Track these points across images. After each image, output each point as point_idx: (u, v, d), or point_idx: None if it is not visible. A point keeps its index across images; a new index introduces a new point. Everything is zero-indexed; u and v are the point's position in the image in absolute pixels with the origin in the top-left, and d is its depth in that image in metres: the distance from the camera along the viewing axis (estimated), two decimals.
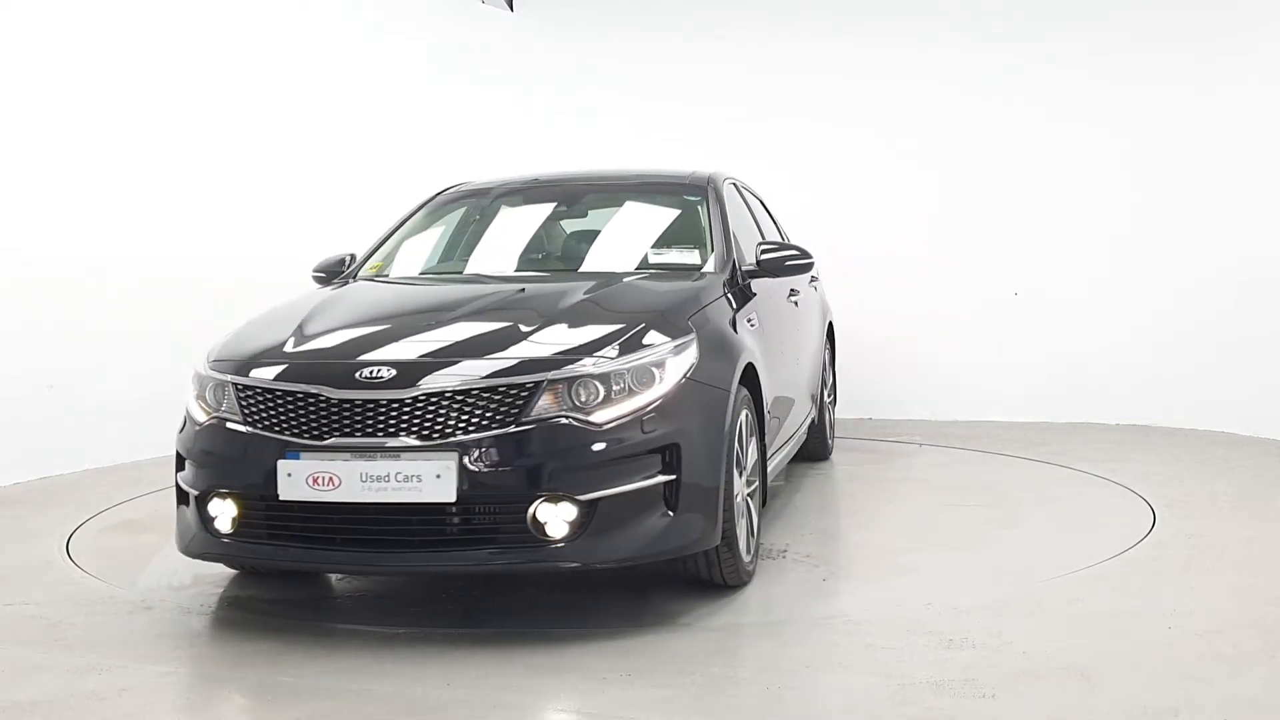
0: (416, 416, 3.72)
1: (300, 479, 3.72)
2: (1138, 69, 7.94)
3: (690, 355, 3.99)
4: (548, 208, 5.60)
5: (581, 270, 5.05)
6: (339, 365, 3.90)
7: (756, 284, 5.07)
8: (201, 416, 4.08)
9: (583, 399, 3.75)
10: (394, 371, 3.79)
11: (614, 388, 3.78)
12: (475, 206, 5.69)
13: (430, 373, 3.78)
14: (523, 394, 3.72)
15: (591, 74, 9.63)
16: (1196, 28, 7.76)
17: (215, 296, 7.28)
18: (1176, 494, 5.75)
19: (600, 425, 3.71)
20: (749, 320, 4.72)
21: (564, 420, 3.70)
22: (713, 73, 9.20)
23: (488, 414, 3.71)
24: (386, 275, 5.26)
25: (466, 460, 3.65)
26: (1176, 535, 4.98)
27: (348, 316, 4.40)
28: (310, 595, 4.46)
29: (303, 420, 3.81)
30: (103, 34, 7.04)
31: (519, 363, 3.80)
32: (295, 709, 3.28)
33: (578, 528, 3.68)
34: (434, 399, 3.72)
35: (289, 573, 4.58)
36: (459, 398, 3.72)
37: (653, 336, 3.98)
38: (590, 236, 5.42)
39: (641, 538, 3.75)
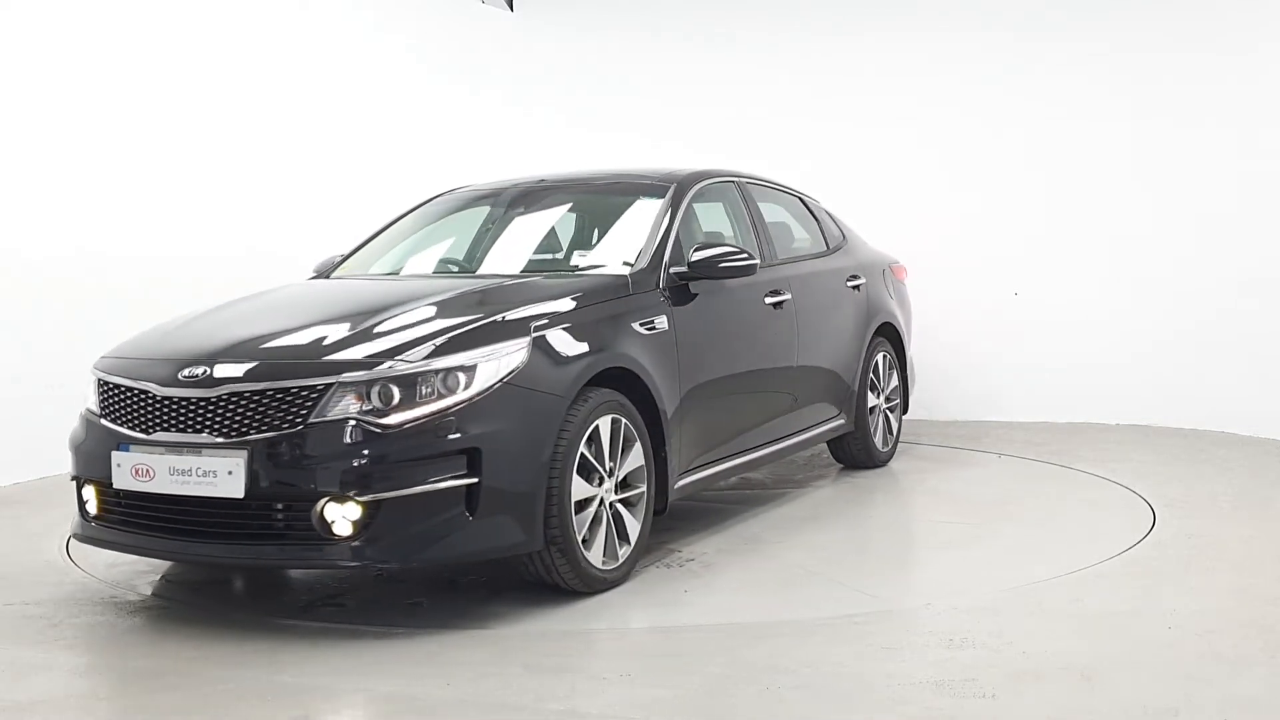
0: (219, 415, 3.90)
1: (127, 470, 4.02)
2: (1138, 69, 7.93)
3: (514, 360, 4.02)
4: (510, 209, 5.68)
5: (510, 271, 5.12)
6: (168, 364, 4.13)
7: (710, 286, 5.04)
8: (84, 408, 4.45)
9: (380, 401, 3.83)
10: (208, 371, 4.00)
11: (418, 390, 3.85)
12: (452, 209, 5.86)
13: (239, 373, 3.95)
14: (313, 395, 3.84)
15: (592, 74, 9.63)
16: (1199, 28, 7.75)
17: (215, 297, 7.25)
18: (1176, 494, 5.75)
19: (391, 427, 3.79)
20: (656, 324, 4.66)
21: (351, 421, 3.79)
22: (717, 72, 9.19)
23: (279, 414, 3.84)
24: (352, 275, 5.49)
25: (256, 458, 3.80)
26: (1176, 535, 4.98)
27: (235, 316, 4.61)
28: (310, 596, 4.46)
29: (134, 414, 4.10)
30: (102, 35, 7.04)
31: (316, 364, 3.93)
32: (295, 709, 3.28)
33: (362, 528, 3.76)
34: (235, 398, 3.90)
35: (289, 573, 4.57)
36: (255, 398, 3.88)
37: (475, 339, 4.02)
38: (537, 237, 5.47)
39: (436, 539, 3.82)
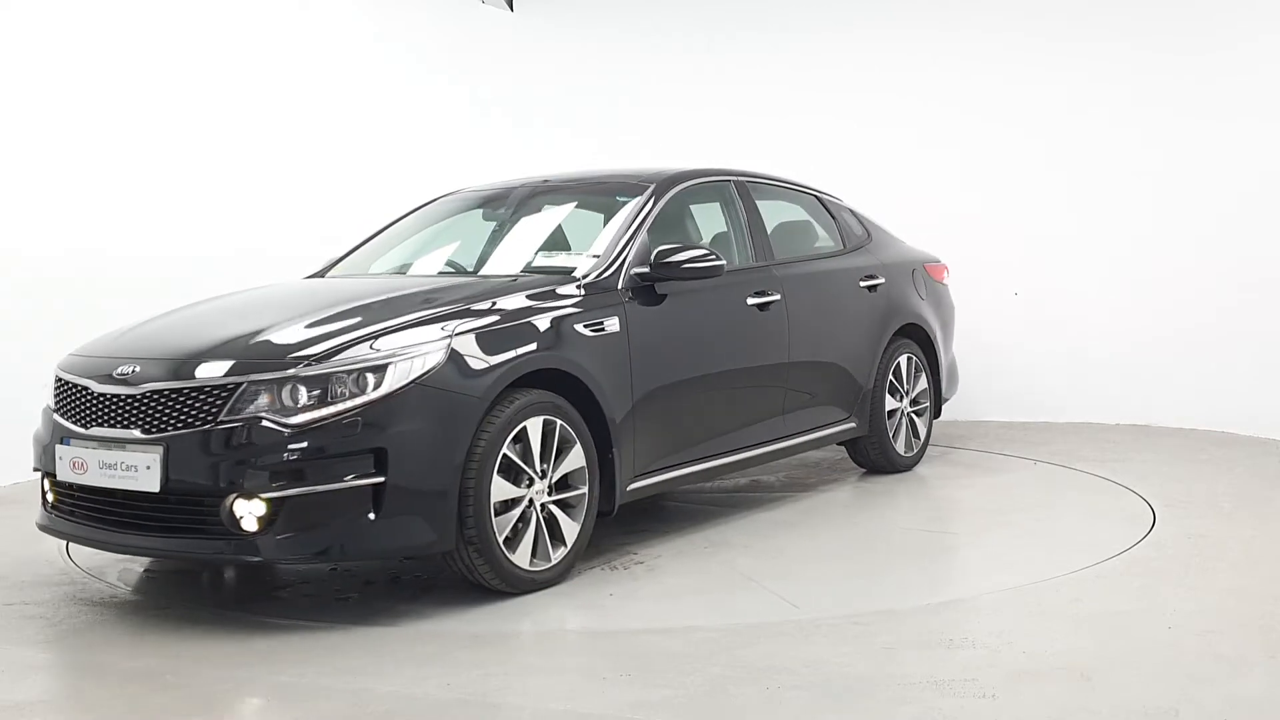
0: (141, 412, 4.06)
1: (67, 463, 4.22)
2: (1140, 69, 7.92)
3: (429, 361, 4.06)
4: (499, 210, 5.73)
5: (481, 273, 5.17)
6: (108, 362, 4.30)
7: (683, 288, 5.02)
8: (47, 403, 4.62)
9: (290, 401, 3.93)
10: (136, 369, 4.16)
11: (327, 390, 3.94)
12: (449, 210, 5.91)
13: (160, 372, 4.11)
14: (224, 394, 3.96)
15: (593, 74, 9.63)
16: (1203, 26, 7.75)
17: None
18: (1176, 494, 5.75)
19: (297, 426, 3.88)
20: (606, 326, 4.66)
21: (259, 420, 3.90)
22: (718, 71, 9.19)
23: (194, 412, 3.97)
24: (344, 275, 5.59)
25: (171, 454, 3.94)
26: (1176, 535, 4.98)
27: (187, 318, 4.71)
28: (310, 596, 4.46)
29: (76, 410, 4.29)
30: (100, 35, 7.04)
31: (232, 364, 4.04)
32: (295, 709, 3.28)
33: (267, 524, 3.86)
34: (155, 396, 4.05)
35: (289, 573, 4.57)
36: (173, 396, 4.02)
37: (391, 341, 4.08)
38: (517, 238, 5.48)
39: (340, 537, 3.91)
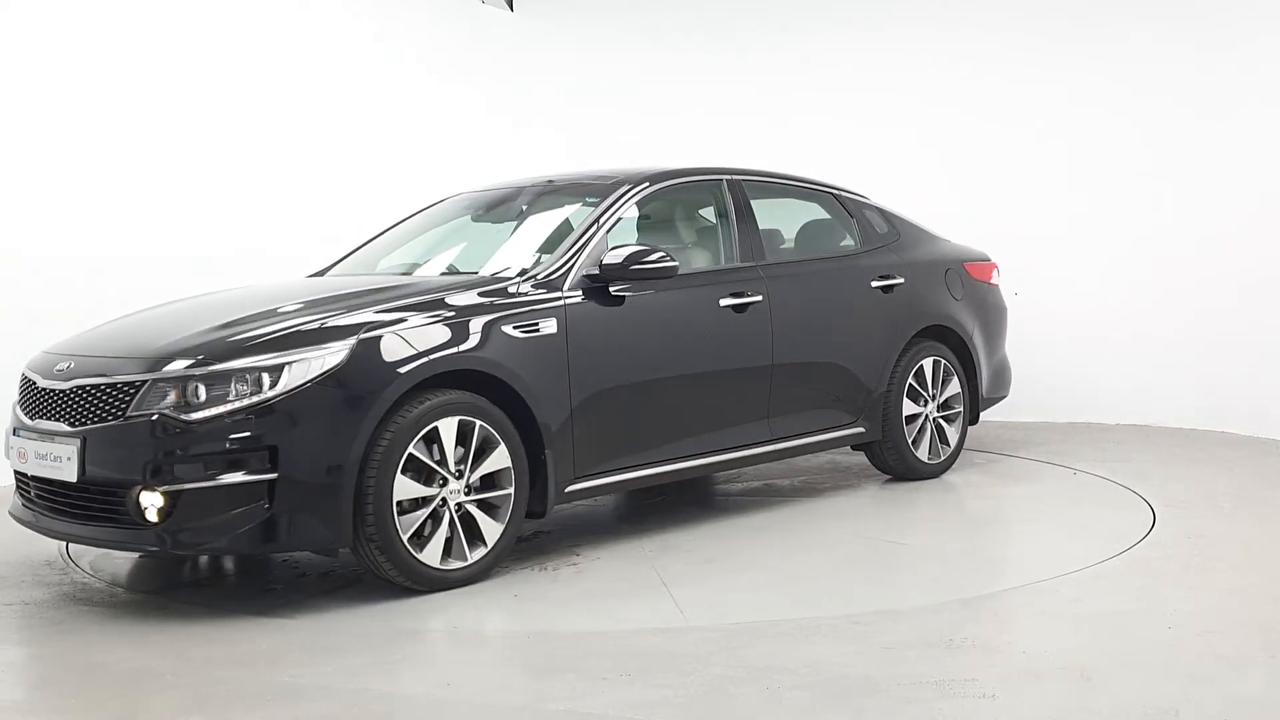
0: (68, 406, 4.29)
1: (15, 452, 4.49)
2: (1147, 69, 7.93)
3: (329, 361, 4.16)
4: (488, 211, 5.81)
5: (441, 274, 5.29)
6: (55, 358, 4.53)
7: (644, 289, 5.01)
8: None
9: (190, 398, 4.08)
10: (71, 365, 4.39)
11: (225, 388, 4.08)
12: (454, 209, 5.94)
13: (86, 368, 4.33)
14: (133, 390, 4.14)
15: (593, 74, 9.63)
16: (1203, 29, 7.75)
17: None
18: (1176, 494, 5.75)
19: (195, 422, 4.04)
20: (542, 328, 4.67)
21: (160, 416, 4.07)
22: (720, 71, 9.19)
23: (108, 407, 4.18)
24: (348, 273, 5.67)
25: (86, 446, 4.15)
26: (1176, 535, 4.98)
27: (144, 318, 4.84)
28: (310, 596, 4.46)
29: (26, 403, 4.55)
30: (97, 37, 7.04)
31: (141, 361, 4.23)
32: (295, 709, 3.28)
33: (166, 515, 4.04)
34: (80, 391, 4.27)
35: (287, 571, 4.57)
36: (93, 391, 4.23)
37: (291, 341, 4.20)
38: (496, 240, 5.51)
39: (236, 530, 4.05)
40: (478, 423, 4.41)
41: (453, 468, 4.35)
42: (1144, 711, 3.08)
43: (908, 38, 8.69)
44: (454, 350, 4.43)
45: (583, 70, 9.67)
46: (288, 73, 8.11)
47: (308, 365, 4.13)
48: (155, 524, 4.06)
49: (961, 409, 6.47)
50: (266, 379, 4.09)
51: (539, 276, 4.84)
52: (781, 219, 6.23)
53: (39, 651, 3.91)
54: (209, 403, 4.06)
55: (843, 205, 6.37)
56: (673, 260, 5.01)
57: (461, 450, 4.37)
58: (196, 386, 4.09)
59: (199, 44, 7.57)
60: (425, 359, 4.34)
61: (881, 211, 6.54)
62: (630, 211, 5.37)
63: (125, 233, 7.15)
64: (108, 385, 4.21)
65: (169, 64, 7.40)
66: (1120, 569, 4.51)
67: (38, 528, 4.48)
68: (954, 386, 6.41)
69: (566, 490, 4.75)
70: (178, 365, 4.14)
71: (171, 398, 4.09)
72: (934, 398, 6.30)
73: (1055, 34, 8.22)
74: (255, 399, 4.06)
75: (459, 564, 4.38)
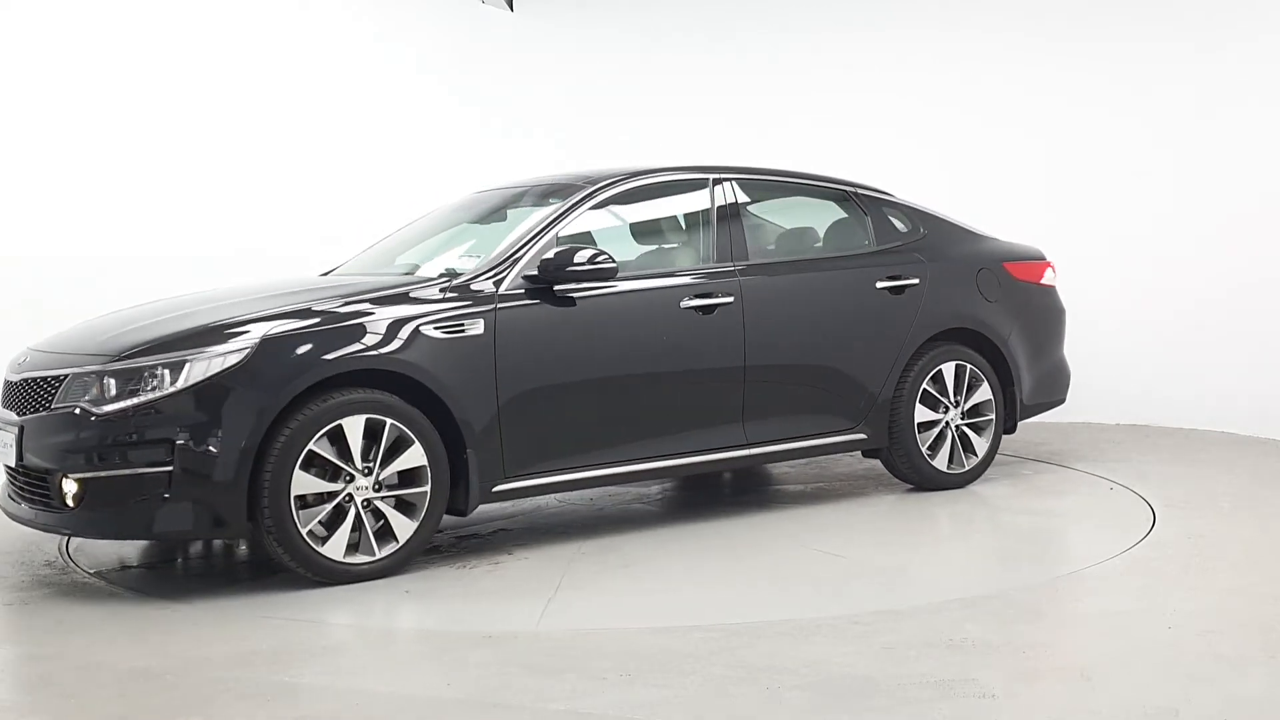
0: (17, 397, 4.62)
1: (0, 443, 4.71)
2: (1145, 67, 7.93)
3: (230, 359, 4.37)
4: (478, 212, 5.85)
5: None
6: (24, 352, 4.83)
7: (596, 290, 5.00)
8: None
9: (102, 392, 4.35)
10: (26, 360, 4.72)
11: (132, 383, 4.33)
12: (462, 209, 5.95)
13: (33, 362, 4.66)
14: (55, 384, 4.46)
15: (593, 73, 9.63)
16: (1202, 29, 7.75)
17: None
18: (1176, 494, 5.75)
19: (103, 415, 4.31)
20: (467, 328, 4.72)
21: (76, 408, 4.35)
22: (721, 70, 9.18)
23: (40, 399, 4.49)
24: (350, 271, 5.74)
25: (22, 435, 4.48)
26: (1176, 535, 4.98)
27: (116, 318, 4.98)
28: (310, 595, 4.46)
29: (3, 395, 4.80)
30: (103, 37, 7.05)
31: (66, 357, 4.57)
32: (295, 709, 3.28)
33: (79, 501, 4.33)
34: (26, 384, 4.58)
35: (289, 570, 4.58)
36: (34, 384, 4.55)
37: (196, 339, 4.42)
38: (485, 241, 5.51)
39: (138, 518, 4.33)
40: (388, 421, 4.52)
41: (359, 465, 4.46)
42: (1144, 711, 3.08)
43: (908, 38, 8.68)
44: (359, 351, 4.54)
45: (583, 70, 9.67)
46: (287, 72, 8.11)
47: (208, 363, 4.35)
48: (71, 509, 4.34)
49: (992, 416, 6.10)
50: (168, 375, 4.33)
51: (474, 278, 4.88)
52: (785, 219, 6.12)
53: (39, 651, 3.91)
54: (118, 397, 4.32)
55: (857, 203, 6.12)
56: (612, 261, 4.98)
57: (370, 448, 4.49)
58: (108, 381, 4.35)
59: (199, 44, 7.57)
60: (326, 359, 4.47)
61: (907, 209, 6.27)
62: (597, 212, 5.34)
63: (126, 233, 7.16)
64: (41, 379, 4.53)
65: (169, 64, 7.40)
66: (1120, 569, 4.51)
67: (8, 513, 4.73)
68: (983, 393, 6.07)
69: (495, 490, 4.81)
70: (96, 362, 4.43)
71: (95, 391, 4.36)
72: (956, 404, 6.00)
73: (1054, 35, 8.21)
74: (157, 394, 4.31)
75: (366, 559, 4.50)
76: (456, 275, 4.93)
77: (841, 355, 5.74)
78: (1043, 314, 6.48)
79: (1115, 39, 8.02)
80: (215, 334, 4.44)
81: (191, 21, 7.56)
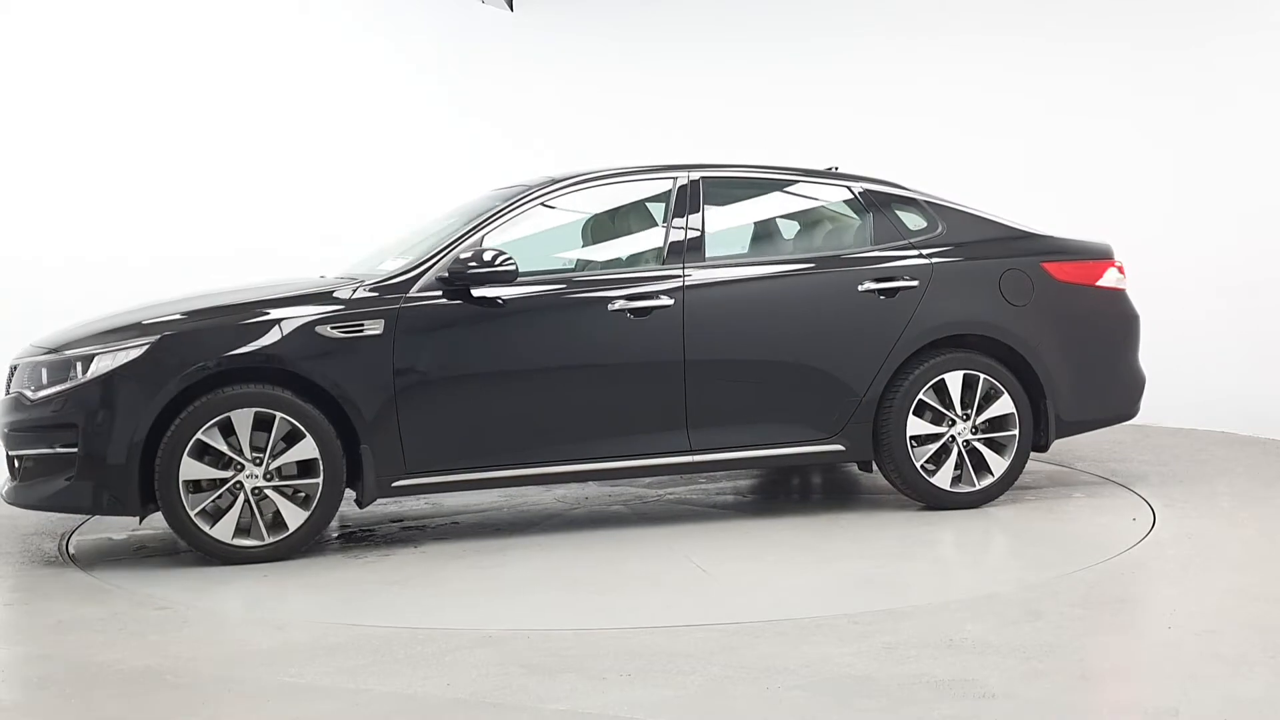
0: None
1: None
2: (1146, 67, 7.93)
3: (130, 354, 4.79)
4: (469, 211, 5.84)
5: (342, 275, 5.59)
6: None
7: (520, 293, 5.07)
8: None
9: (39, 380, 4.87)
10: (19, 352, 5.13)
11: (58, 373, 4.82)
12: (458, 214, 5.91)
13: (20, 353, 5.07)
14: (12, 371, 5.04)
15: (593, 73, 9.63)
16: (1204, 28, 7.75)
17: None
18: (1176, 494, 5.75)
19: (33, 401, 4.84)
20: (366, 328, 4.91)
21: (18, 394, 4.91)
22: (722, 70, 9.18)
23: (6, 386, 5.07)
24: (343, 270, 5.80)
25: None
26: (1176, 535, 4.98)
27: (114, 312, 5.32)
28: (309, 595, 4.46)
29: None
30: (103, 38, 7.05)
31: (26, 349, 5.06)
32: (295, 709, 3.28)
33: (16, 476, 4.92)
34: (5, 372, 5.10)
35: (288, 570, 4.59)
36: (7, 372, 5.07)
37: (109, 336, 4.87)
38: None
39: (52, 494, 4.82)
40: (278, 415, 4.80)
41: (249, 455, 4.77)
42: (1144, 711, 3.08)
43: (909, 38, 8.68)
44: (249, 350, 4.85)
45: (583, 70, 9.67)
46: (287, 73, 8.11)
47: (113, 357, 4.78)
48: (15, 484, 4.90)
49: (1014, 432, 5.52)
50: (80, 367, 4.79)
51: (391, 279, 5.07)
52: (754, 218, 5.90)
53: (39, 651, 3.91)
54: (47, 385, 4.83)
55: (857, 200, 5.76)
56: (511, 264, 5.03)
57: (260, 440, 4.81)
58: (41, 371, 4.88)
59: (199, 45, 7.57)
60: (216, 356, 4.82)
61: (924, 205, 5.78)
62: (540, 213, 5.39)
63: (126, 233, 7.16)
64: (10, 366, 5.05)
65: (170, 66, 7.40)
66: (1120, 569, 4.51)
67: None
68: (1003, 406, 5.50)
69: (393, 485, 5.01)
70: (37, 354, 4.95)
71: (41, 379, 4.86)
72: (966, 417, 5.47)
73: (1053, 34, 8.22)
74: (70, 385, 4.78)
75: (254, 542, 4.83)
76: (377, 276, 5.14)
77: (811, 361, 5.40)
78: (1096, 319, 5.83)
79: (1115, 39, 8.02)
80: (125, 332, 4.88)
81: (192, 23, 7.56)
